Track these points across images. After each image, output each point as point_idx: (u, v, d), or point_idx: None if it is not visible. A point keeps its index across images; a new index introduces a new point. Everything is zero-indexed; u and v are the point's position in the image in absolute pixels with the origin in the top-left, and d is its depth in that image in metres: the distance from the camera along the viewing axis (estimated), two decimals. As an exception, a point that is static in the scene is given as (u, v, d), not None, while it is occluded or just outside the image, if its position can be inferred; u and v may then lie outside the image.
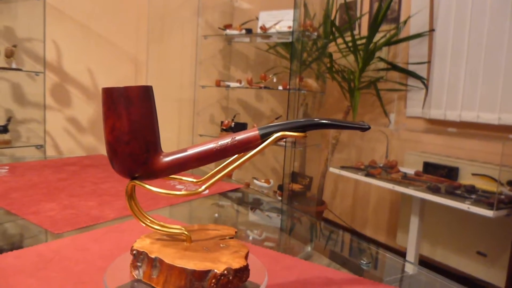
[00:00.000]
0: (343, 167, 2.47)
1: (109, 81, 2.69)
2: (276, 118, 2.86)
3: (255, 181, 2.99)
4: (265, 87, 2.75)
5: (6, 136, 2.15)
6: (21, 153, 2.32)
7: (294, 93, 2.75)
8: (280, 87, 2.65)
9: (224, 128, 2.98)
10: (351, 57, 2.67)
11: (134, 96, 0.40)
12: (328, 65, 2.79)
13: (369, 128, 0.38)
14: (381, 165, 2.47)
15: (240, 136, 0.38)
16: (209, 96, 3.05)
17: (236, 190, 1.15)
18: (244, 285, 0.41)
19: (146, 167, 0.42)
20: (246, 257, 0.39)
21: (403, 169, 2.36)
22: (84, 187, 0.98)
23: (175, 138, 2.99)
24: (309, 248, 0.83)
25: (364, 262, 0.62)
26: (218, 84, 2.89)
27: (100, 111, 2.57)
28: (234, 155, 0.39)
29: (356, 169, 2.42)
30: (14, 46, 2.16)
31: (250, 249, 0.65)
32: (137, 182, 0.43)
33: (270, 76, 2.75)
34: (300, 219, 1.12)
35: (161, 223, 0.44)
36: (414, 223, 2.13)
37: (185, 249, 0.40)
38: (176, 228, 0.43)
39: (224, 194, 1.11)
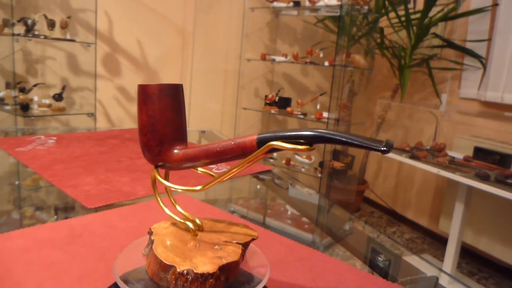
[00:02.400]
0: (387, 148, 2.39)
1: (156, 51, 2.75)
2: (321, 95, 2.80)
3: (296, 156, 2.99)
4: (311, 62, 2.68)
5: (61, 104, 2.29)
6: (74, 120, 2.47)
7: (340, 70, 2.67)
8: (326, 63, 2.58)
9: (268, 102, 2.97)
10: (403, 33, 2.53)
11: (152, 94, 0.42)
12: (378, 40, 2.66)
13: (389, 151, 0.33)
14: (428, 147, 2.36)
15: (239, 140, 0.38)
16: (254, 70, 3.04)
17: (267, 171, 1.16)
18: (244, 280, 0.42)
19: (159, 158, 0.44)
20: (230, 265, 0.37)
21: (451, 153, 2.25)
22: (121, 161, 1.03)
23: (219, 110, 3.03)
24: (338, 233, 0.83)
25: (381, 260, 0.61)
26: (263, 58, 2.86)
27: (147, 81, 2.65)
28: (234, 159, 0.39)
29: (400, 150, 2.34)
30: (69, 17, 2.25)
31: (268, 237, 0.66)
32: (155, 170, 0.45)
33: (317, 51, 2.68)
34: (336, 200, 1.12)
35: (181, 211, 0.45)
36: (458, 209, 2.04)
37: (183, 240, 0.42)
38: (185, 220, 0.44)
39: (261, 173, 1.12)
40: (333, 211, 1.07)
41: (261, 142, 0.36)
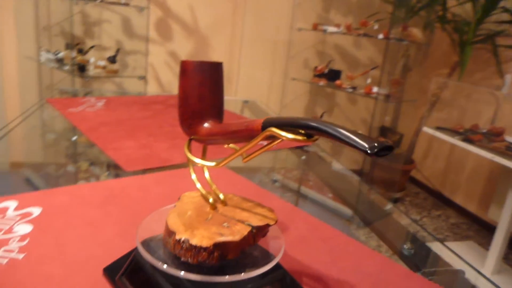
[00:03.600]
0: (439, 128, 2.28)
1: (208, 18, 2.76)
2: (372, 69, 2.70)
3: (342, 131, 2.93)
4: (364, 34, 2.57)
5: (114, 66, 2.38)
6: (126, 82, 2.56)
7: (395, 43, 2.53)
8: (381, 36, 2.46)
9: (317, 74, 2.90)
10: (468, 6, 2.34)
11: (188, 70, 0.43)
12: (440, 13, 2.48)
13: (377, 155, 0.29)
14: (484, 131, 2.22)
15: (250, 122, 0.38)
16: (304, 40, 2.96)
17: (303, 147, 1.15)
18: (257, 257, 0.43)
19: (191, 131, 0.45)
20: (228, 244, 0.38)
21: (510, 139, 2.10)
22: (162, 127, 1.07)
23: (267, 79, 3.02)
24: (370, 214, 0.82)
25: (406, 248, 0.60)
26: (315, 28, 2.78)
27: (197, 48, 2.66)
28: (245, 140, 0.39)
29: (453, 132, 2.22)
30: (124, -19, 2.30)
31: (296, 214, 0.67)
32: (187, 142, 0.46)
33: (372, 22, 2.55)
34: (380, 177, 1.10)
35: (211, 184, 0.46)
36: (511, 198, 1.93)
37: (201, 211, 0.43)
38: (208, 193, 0.45)
39: (307, 146, 1.12)
40: (375, 189, 1.05)
41: (264, 127, 0.36)
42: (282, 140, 0.35)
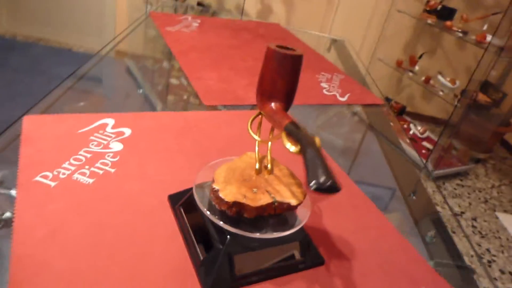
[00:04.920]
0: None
1: None
2: (494, 14, 2.39)
3: (439, 76, 2.74)
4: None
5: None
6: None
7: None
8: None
9: (428, 9, 2.64)
10: None
11: (269, 56, 0.48)
12: None
13: (319, 190, 0.34)
14: None
15: (284, 119, 0.44)
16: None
17: (377, 105, 1.15)
18: (283, 219, 0.51)
19: (259, 106, 0.52)
20: (244, 205, 0.46)
21: None
22: (245, 61, 1.14)
23: (369, 11, 2.82)
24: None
25: (429, 235, 0.64)
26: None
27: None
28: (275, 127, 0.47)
29: None
30: None
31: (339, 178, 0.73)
32: (253, 116, 0.53)
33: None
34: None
35: (269, 154, 0.53)
36: None
37: (247, 172, 0.51)
38: (259, 159, 0.53)
39: (371, 106, 1.13)
40: (457, 143, 1.04)
41: (285, 128, 0.43)
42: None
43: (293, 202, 0.49)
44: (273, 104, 0.49)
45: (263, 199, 0.47)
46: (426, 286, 0.54)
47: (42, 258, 0.46)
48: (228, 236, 0.48)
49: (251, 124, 0.51)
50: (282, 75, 0.48)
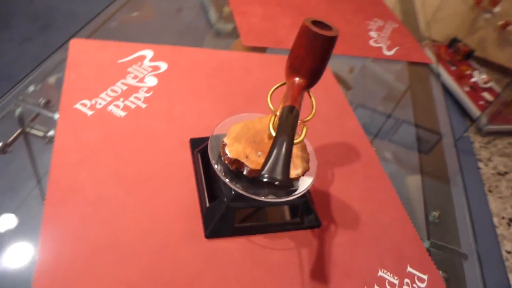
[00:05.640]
0: None
1: None
2: None
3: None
4: None
5: None
6: None
7: None
8: None
9: None
10: None
11: (300, 31, 0.47)
12: None
13: (259, 180, 0.35)
14: None
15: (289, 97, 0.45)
16: None
17: (425, 64, 1.09)
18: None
19: (286, 77, 0.52)
20: (240, 163, 0.49)
21: None
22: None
23: None
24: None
25: (433, 215, 0.66)
26: None
27: None
28: None
29: None
30: None
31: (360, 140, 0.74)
32: (276, 85, 0.54)
33: None
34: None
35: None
36: None
37: (260, 134, 0.53)
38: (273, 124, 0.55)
39: (418, 64, 1.07)
40: None
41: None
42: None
43: (292, 174, 0.50)
44: (296, 79, 0.49)
45: (260, 163, 0.49)
46: (411, 265, 0.58)
47: (74, 182, 0.54)
48: (233, 192, 0.52)
49: (272, 93, 0.52)
50: (310, 53, 0.48)
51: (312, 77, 0.50)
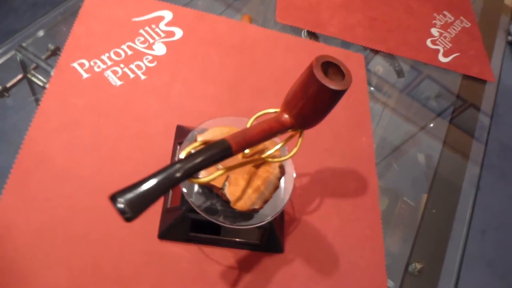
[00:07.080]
0: None
1: None
2: None
3: None
4: None
5: None
6: None
7: None
8: None
9: None
10: None
11: (307, 69, 0.39)
12: None
13: (113, 204, 0.27)
14: None
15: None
16: None
17: (483, 81, 0.93)
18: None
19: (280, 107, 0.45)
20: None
21: None
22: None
23: None
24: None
25: (414, 266, 0.61)
26: None
27: None
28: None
29: None
30: None
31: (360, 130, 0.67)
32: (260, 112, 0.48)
33: None
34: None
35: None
36: None
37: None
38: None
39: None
40: None
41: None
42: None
43: (246, 207, 0.45)
44: (285, 116, 0.42)
45: (216, 178, 0.41)
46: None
47: (47, 150, 0.54)
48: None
49: (253, 120, 0.46)
50: (310, 100, 0.40)
51: (304, 124, 0.42)
